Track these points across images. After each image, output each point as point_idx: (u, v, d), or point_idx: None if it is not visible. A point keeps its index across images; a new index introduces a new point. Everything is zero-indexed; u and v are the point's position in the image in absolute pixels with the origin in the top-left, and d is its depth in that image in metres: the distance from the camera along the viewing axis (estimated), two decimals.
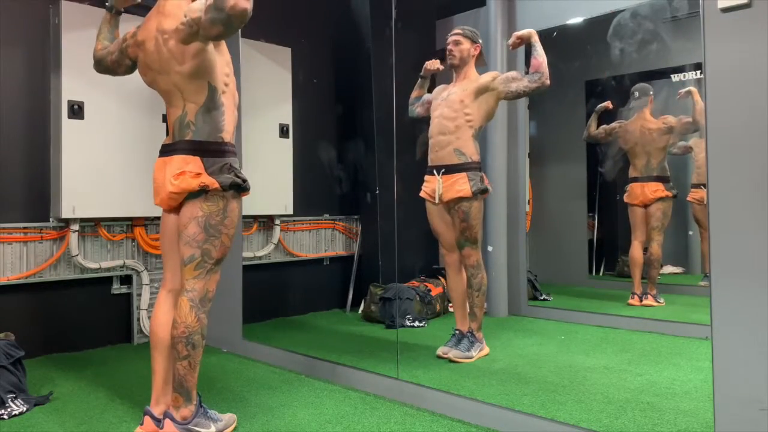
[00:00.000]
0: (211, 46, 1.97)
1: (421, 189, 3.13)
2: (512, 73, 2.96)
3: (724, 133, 1.54)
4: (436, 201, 3.02)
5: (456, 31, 3.05)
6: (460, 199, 2.94)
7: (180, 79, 1.97)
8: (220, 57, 2.02)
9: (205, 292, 2.02)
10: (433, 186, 3.02)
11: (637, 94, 4.08)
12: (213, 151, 1.98)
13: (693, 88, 3.75)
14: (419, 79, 3.27)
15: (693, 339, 3.23)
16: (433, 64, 3.19)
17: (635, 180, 4.03)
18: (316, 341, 3.52)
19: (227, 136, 2.03)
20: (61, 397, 2.53)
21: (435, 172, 3.02)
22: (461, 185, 2.93)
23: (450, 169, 2.97)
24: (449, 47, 3.04)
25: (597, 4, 3.75)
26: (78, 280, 3.31)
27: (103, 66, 2.23)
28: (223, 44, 2.05)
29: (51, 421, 2.27)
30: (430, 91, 3.29)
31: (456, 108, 2.96)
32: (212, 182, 1.95)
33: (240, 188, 2.03)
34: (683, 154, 4.04)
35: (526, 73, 4.19)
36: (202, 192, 1.96)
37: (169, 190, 1.98)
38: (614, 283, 4.45)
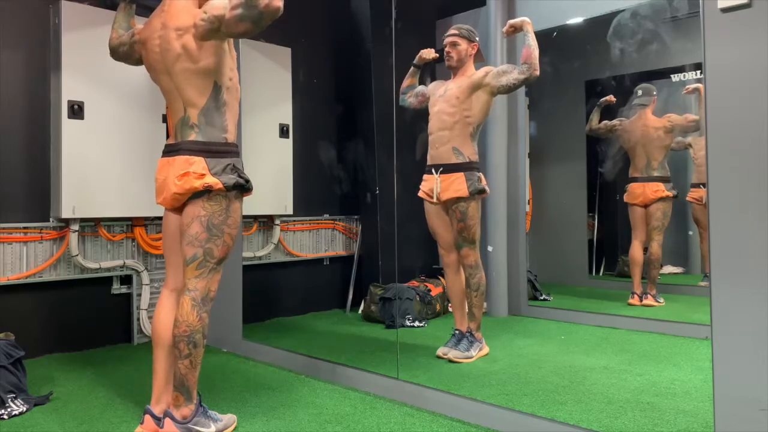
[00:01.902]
0: (226, 44, 1.98)
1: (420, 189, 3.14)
2: (503, 67, 2.96)
3: (724, 132, 1.54)
4: (434, 200, 3.02)
5: (452, 31, 3.04)
6: (458, 200, 2.94)
7: (183, 78, 1.97)
8: (229, 53, 2.04)
9: (207, 291, 2.02)
10: (431, 185, 3.02)
11: (640, 92, 4.07)
12: (217, 152, 1.99)
13: (701, 85, 3.74)
14: (412, 68, 3.25)
15: (693, 339, 3.23)
16: (429, 53, 3.18)
17: (635, 180, 4.03)
18: (316, 341, 3.52)
19: (230, 136, 2.04)
20: (61, 397, 2.53)
21: (433, 171, 3.02)
22: (458, 185, 2.93)
23: (448, 169, 2.97)
24: (446, 49, 3.04)
25: (597, 4, 3.75)
26: (78, 280, 3.31)
27: (117, 55, 2.24)
28: (231, 40, 2.05)
29: (51, 421, 2.27)
30: (422, 82, 3.29)
31: (453, 104, 2.97)
32: (216, 182, 1.95)
33: (243, 188, 2.03)
34: (680, 149, 4.03)
35: None
36: (206, 192, 1.96)
37: (173, 191, 1.98)
38: (614, 283, 4.45)
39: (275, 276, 4.18)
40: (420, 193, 3.11)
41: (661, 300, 3.88)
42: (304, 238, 4.36)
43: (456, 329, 3.10)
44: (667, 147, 3.97)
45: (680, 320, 3.49)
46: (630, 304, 3.94)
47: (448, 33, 3.05)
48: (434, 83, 3.19)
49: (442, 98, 3.03)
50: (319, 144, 4.41)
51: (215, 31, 1.90)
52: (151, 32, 2.03)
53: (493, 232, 4.01)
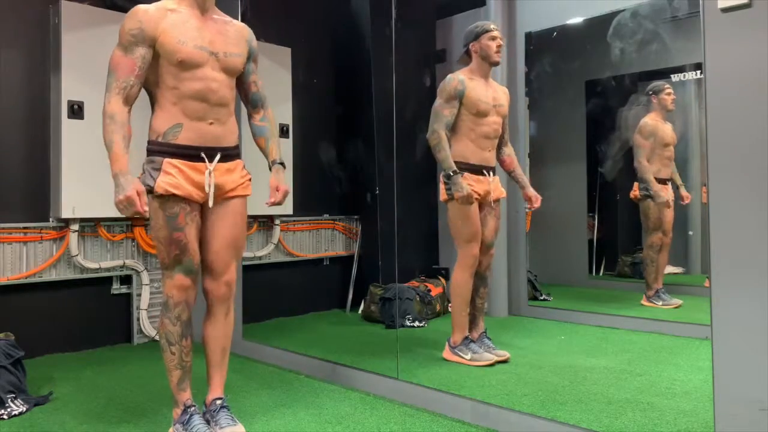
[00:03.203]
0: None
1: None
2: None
3: (724, 132, 1.54)
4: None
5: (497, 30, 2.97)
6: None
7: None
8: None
9: (165, 297, 2.01)
10: None
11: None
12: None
13: None
14: None
15: (693, 339, 3.23)
16: None
17: (664, 182, 3.97)
18: (316, 341, 3.52)
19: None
20: (61, 397, 2.53)
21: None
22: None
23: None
24: (500, 45, 2.95)
25: (597, 4, 3.75)
26: (78, 280, 3.31)
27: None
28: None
29: (51, 421, 2.27)
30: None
31: None
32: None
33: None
34: None
35: (527, 73, 4.22)
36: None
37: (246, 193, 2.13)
38: (614, 283, 4.44)
39: (275, 276, 4.18)
40: None
41: (659, 302, 3.87)
42: (304, 238, 4.36)
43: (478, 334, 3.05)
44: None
45: (680, 320, 3.49)
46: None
47: (495, 29, 2.94)
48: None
49: None
50: (319, 144, 4.41)
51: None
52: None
53: None
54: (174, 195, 1.92)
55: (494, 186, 2.99)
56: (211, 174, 1.98)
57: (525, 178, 3.11)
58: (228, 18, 2.09)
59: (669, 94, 3.94)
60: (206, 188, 1.98)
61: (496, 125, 2.96)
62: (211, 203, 2.00)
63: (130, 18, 1.90)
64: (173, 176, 1.93)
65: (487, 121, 2.92)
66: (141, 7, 1.91)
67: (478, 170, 2.92)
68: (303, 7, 4.30)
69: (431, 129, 2.88)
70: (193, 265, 1.99)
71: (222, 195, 2.03)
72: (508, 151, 3.13)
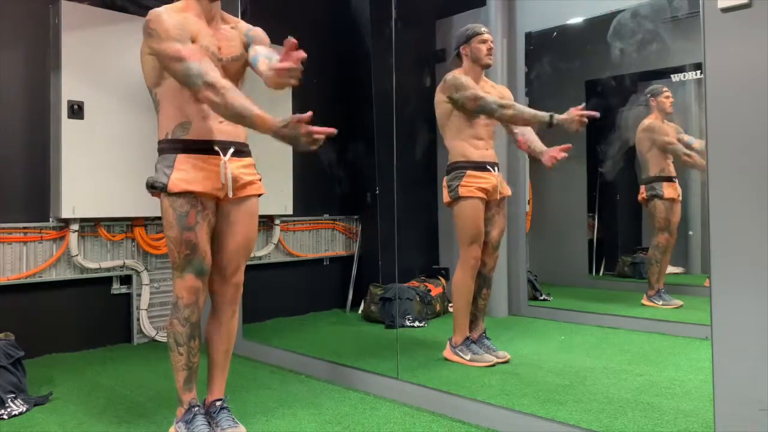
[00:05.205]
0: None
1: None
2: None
3: (724, 133, 1.54)
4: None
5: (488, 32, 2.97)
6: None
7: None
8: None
9: (175, 298, 1.99)
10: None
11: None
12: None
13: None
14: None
15: (693, 339, 3.23)
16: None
17: (670, 180, 3.98)
18: (316, 341, 3.52)
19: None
20: (61, 397, 2.53)
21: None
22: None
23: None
24: (491, 48, 2.96)
25: (597, 4, 3.75)
26: (78, 280, 3.31)
27: None
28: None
29: (51, 421, 2.27)
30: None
31: None
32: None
33: (153, 188, 1.96)
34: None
35: (527, 73, 4.22)
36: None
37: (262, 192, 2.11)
38: (614, 283, 4.44)
39: (275, 276, 4.18)
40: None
41: (659, 302, 3.88)
42: (304, 238, 4.36)
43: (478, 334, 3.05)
44: None
45: (680, 320, 3.49)
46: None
47: (486, 32, 2.94)
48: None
49: None
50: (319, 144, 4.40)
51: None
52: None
53: None
54: (186, 192, 1.90)
55: (500, 181, 2.99)
56: (226, 165, 1.96)
57: (540, 143, 3.06)
58: (232, 22, 2.09)
59: (667, 97, 3.93)
60: (222, 179, 1.95)
61: (487, 127, 2.97)
62: (230, 194, 1.97)
63: (164, 16, 1.87)
64: (187, 171, 1.90)
65: (476, 123, 2.93)
66: (164, 9, 1.90)
67: (481, 167, 2.92)
68: (303, 7, 4.29)
69: (492, 107, 2.80)
70: (204, 266, 1.96)
71: (238, 187, 2.00)
72: (518, 130, 3.07)
